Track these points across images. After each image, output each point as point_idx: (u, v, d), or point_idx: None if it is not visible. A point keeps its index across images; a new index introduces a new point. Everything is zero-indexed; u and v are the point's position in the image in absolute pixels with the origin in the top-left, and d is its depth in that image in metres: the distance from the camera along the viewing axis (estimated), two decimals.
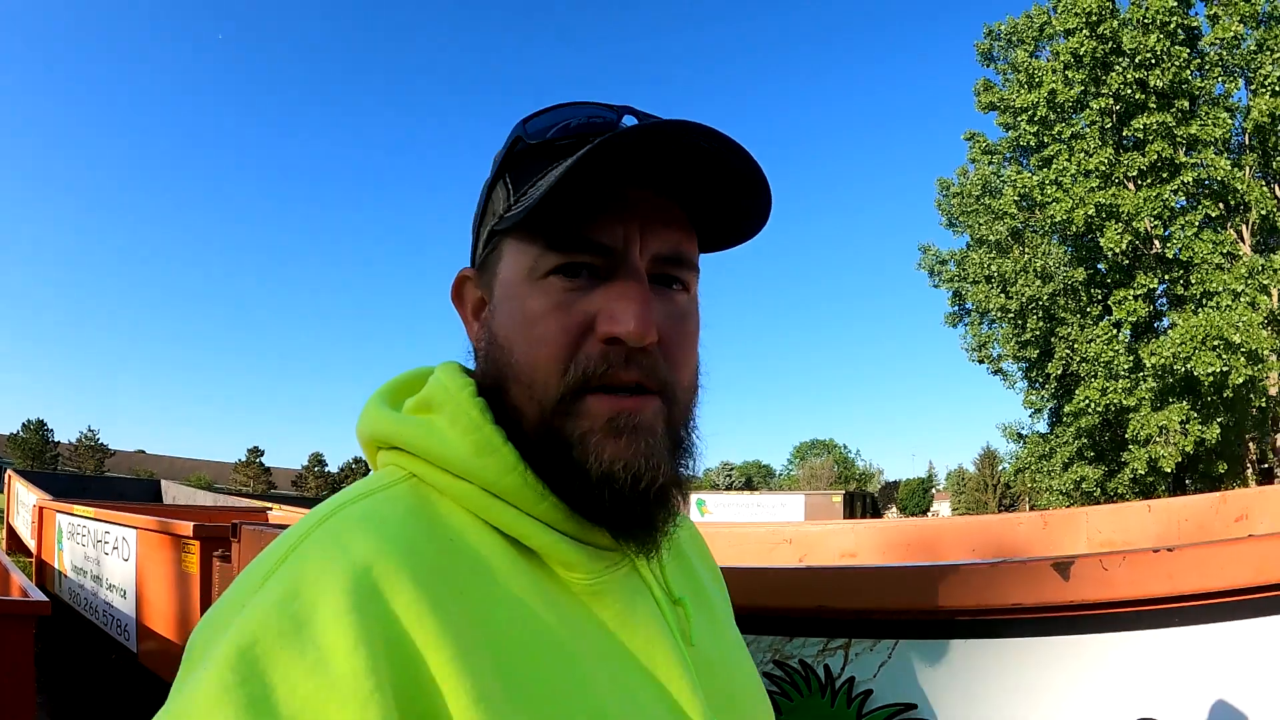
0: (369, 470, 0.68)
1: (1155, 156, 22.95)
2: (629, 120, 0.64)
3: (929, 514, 68.97)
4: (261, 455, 70.76)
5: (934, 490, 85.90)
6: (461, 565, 0.56)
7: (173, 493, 18.15)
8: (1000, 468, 40.73)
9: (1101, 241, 23.39)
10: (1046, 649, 1.20)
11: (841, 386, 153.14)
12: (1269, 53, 22.53)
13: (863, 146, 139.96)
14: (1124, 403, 23.33)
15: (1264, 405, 22.82)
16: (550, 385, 0.60)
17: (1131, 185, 23.64)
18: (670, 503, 0.63)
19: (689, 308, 0.66)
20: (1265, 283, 21.61)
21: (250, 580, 0.53)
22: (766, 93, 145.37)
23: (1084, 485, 25.21)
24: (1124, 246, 23.45)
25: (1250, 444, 24.58)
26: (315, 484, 68.72)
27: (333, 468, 73.06)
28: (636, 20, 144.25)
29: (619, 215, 0.62)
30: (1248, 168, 23.03)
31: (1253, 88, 23.01)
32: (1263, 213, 22.57)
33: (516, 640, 0.54)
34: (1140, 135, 23.23)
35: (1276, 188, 23.45)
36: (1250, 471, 24.34)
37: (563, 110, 0.65)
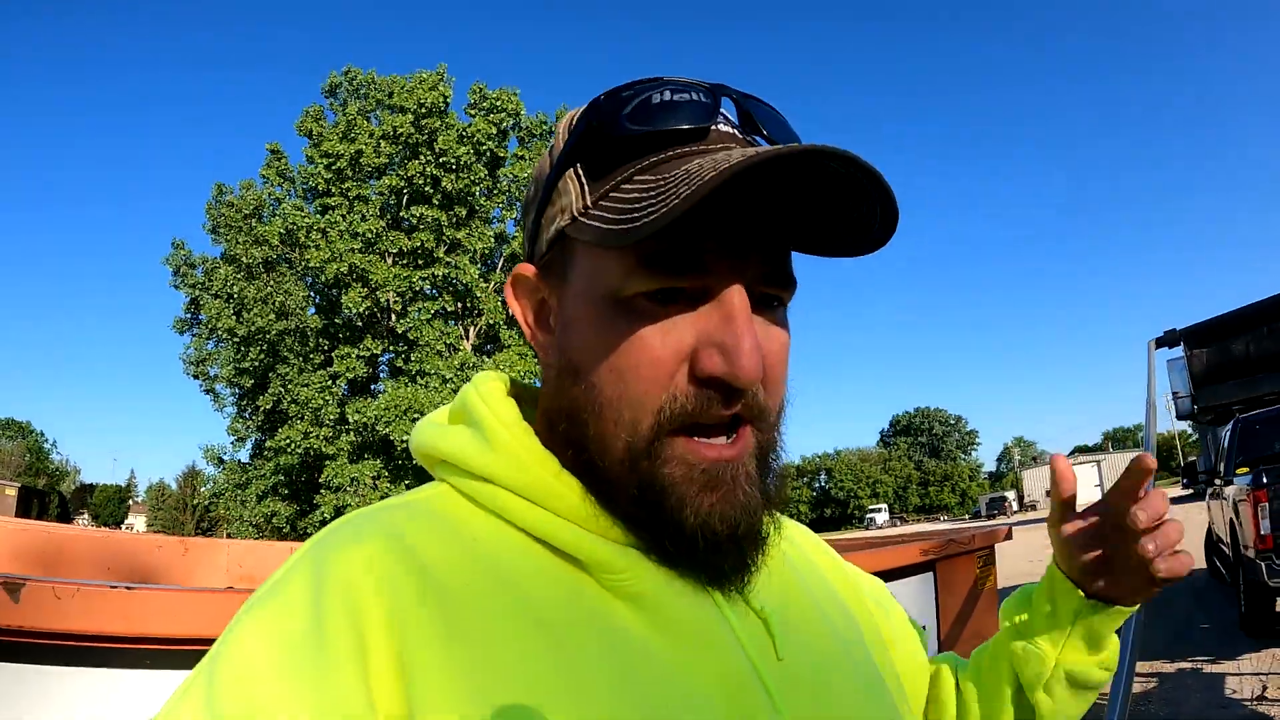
0: None
1: (419, 244, 25.94)
2: (727, 104, 0.58)
3: (124, 526, 62.64)
4: None
5: (132, 501, 78.71)
6: (464, 568, 0.54)
7: None
8: (202, 489, 39.26)
9: (344, 299, 25.19)
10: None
11: (53, 366, 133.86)
12: None
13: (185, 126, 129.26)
14: (324, 450, 24.98)
15: None
16: (641, 424, 0.55)
17: (389, 260, 26.18)
18: (762, 538, 0.59)
19: (785, 325, 0.60)
20: (471, 375, 25.74)
21: (265, 585, 0.54)
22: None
23: (275, 520, 25.83)
24: (362, 310, 25.70)
25: None
26: None
27: None
28: None
29: (723, 234, 0.54)
30: (493, 282, 27.58)
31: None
32: (490, 321, 27.08)
33: (508, 644, 0.51)
34: (414, 221, 26.04)
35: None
36: None
37: (646, 90, 0.56)
